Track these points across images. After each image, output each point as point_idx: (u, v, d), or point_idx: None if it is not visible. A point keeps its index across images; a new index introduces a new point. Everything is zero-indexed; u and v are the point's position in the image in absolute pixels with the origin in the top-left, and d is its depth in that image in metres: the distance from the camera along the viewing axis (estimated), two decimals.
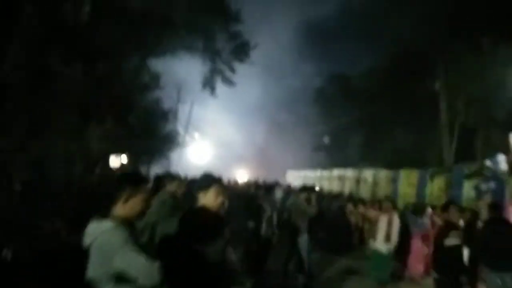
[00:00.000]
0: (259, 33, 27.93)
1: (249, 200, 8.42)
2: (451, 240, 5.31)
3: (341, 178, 21.21)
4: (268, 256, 7.65)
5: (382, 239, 6.98)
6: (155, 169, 21.13)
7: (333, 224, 11.70)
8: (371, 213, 10.57)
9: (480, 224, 6.44)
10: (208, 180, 3.12)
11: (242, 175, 31.17)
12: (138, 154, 19.98)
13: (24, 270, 4.92)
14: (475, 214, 7.36)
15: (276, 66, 37.11)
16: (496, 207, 5.99)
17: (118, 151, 16.68)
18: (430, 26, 17.58)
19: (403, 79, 21.06)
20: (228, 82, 26.06)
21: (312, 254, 7.63)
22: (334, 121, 30.80)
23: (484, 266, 5.66)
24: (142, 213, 2.61)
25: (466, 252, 6.03)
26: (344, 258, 9.92)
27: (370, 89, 25.47)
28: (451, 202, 6.62)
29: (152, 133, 20.31)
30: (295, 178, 26.43)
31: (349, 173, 20.77)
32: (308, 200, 7.77)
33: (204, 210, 2.91)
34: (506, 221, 5.96)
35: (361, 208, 11.89)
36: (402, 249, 7.98)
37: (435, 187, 13.96)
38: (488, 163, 11.23)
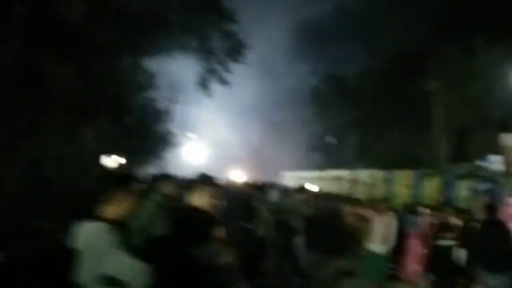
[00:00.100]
0: (254, 33, 27.87)
1: (244, 201, 8.38)
2: (445, 241, 5.32)
3: (336, 179, 21.21)
4: (263, 258, 7.61)
5: (379, 240, 6.97)
6: (150, 170, 21.03)
7: (329, 225, 11.66)
8: (367, 213, 10.54)
9: (475, 225, 6.44)
10: (196, 180, 3.08)
11: (238, 176, 31.08)
12: (133, 155, 19.89)
13: (18, 272, 4.86)
14: (470, 215, 7.36)
15: (271, 66, 37.07)
16: (492, 208, 5.99)
17: (113, 151, 16.59)
18: (424, 27, 17.63)
19: (398, 79, 21.12)
20: (223, 82, 25.97)
21: (308, 255, 7.61)
22: (330, 121, 30.84)
23: (480, 268, 5.66)
24: (132, 214, 2.56)
25: (462, 253, 6.02)
26: (340, 259, 9.89)
27: (365, 90, 25.52)
28: (445, 202, 6.63)
29: (147, 133, 20.27)
30: (290, 178, 26.39)
31: (345, 173, 20.79)
32: (305, 201, 7.76)
33: (194, 210, 2.87)
34: (502, 223, 5.96)
35: (357, 209, 11.86)
36: (398, 249, 7.98)
37: (430, 187, 14.00)
38: (482, 163, 11.27)
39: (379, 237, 7.01)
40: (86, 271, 2.31)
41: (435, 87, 17.74)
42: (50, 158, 10.36)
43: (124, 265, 2.24)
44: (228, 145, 34.48)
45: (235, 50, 24.66)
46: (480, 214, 6.51)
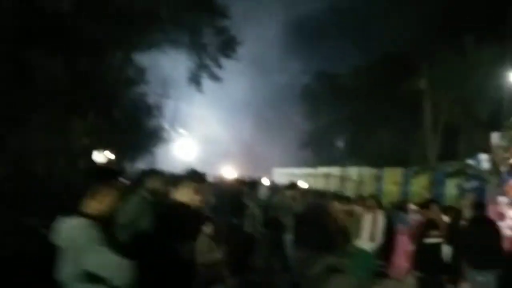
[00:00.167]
0: (246, 29, 27.77)
1: (234, 197, 8.36)
2: (432, 238, 5.34)
3: (326, 176, 21.29)
4: (251, 253, 7.61)
5: (367, 238, 6.99)
6: (140, 165, 20.89)
7: (318, 221, 11.69)
8: (356, 210, 10.57)
9: (463, 222, 6.49)
10: (183, 176, 3.04)
11: (229, 172, 31.04)
12: (123, 150, 19.74)
13: (2, 269, 4.78)
14: (458, 213, 7.41)
15: (263, 63, 37.01)
16: (480, 205, 6.04)
17: (102, 146, 16.45)
18: (415, 26, 17.72)
19: (388, 78, 21.23)
20: (215, 77, 25.87)
21: (296, 251, 7.61)
22: (321, 119, 30.92)
23: (466, 264, 5.71)
24: (114, 210, 2.51)
25: (448, 250, 6.06)
26: (327, 256, 9.92)
27: (357, 88, 25.61)
28: (432, 200, 6.67)
29: (138, 128, 20.10)
30: (281, 175, 26.43)
31: (334, 171, 20.87)
32: (294, 198, 7.76)
33: (179, 206, 2.83)
34: (489, 220, 6.01)
35: (345, 206, 11.89)
36: (387, 247, 8.01)
37: (419, 185, 14.10)
38: (470, 162, 11.35)
39: (367, 234, 7.03)
40: (67, 268, 2.26)
41: (425, 86, 17.85)
42: (37, 153, 10.22)
43: (106, 261, 2.20)
44: (219, 141, 34.40)
45: (227, 46, 24.56)
46: (468, 212, 6.57)
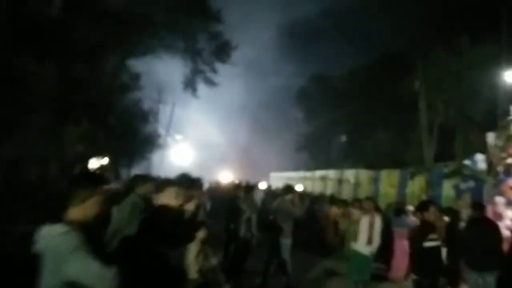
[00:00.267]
0: (241, 34, 27.83)
1: (229, 201, 8.28)
2: (430, 242, 5.23)
3: (323, 179, 21.24)
4: (246, 258, 7.52)
5: (364, 241, 6.91)
6: (136, 171, 20.77)
7: (316, 225, 11.65)
8: (353, 213, 10.51)
9: (461, 224, 6.42)
10: (172, 181, 2.97)
11: (225, 177, 30.98)
12: (118, 156, 19.62)
13: None
14: (455, 214, 7.36)
15: (258, 67, 37.13)
16: (479, 206, 5.96)
17: (97, 152, 16.33)
18: (409, 27, 17.75)
19: (383, 79, 21.24)
20: (210, 82, 25.79)
21: (294, 255, 7.54)
22: (317, 121, 30.90)
23: (465, 266, 5.63)
24: (99, 216, 2.42)
25: (444, 252, 5.99)
26: (325, 259, 9.86)
27: (351, 90, 25.63)
28: (429, 201, 6.57)
29: (133, 134, 19.99)
30: (278, 179, 26.37)
31: (331, 174, 20.82)
32: (292, 201, 7.67)
33: (165, 211, 2.75)
34: (489, 221, 5.93)
35: (342, 209, 11.84)
36: (385, 250, 7.93)
37: (416, 187, 14.05)
38: (467, 162, 11.32)
39: (364, 237, 6.95)
40: (47, 277, 2.17)
41: (420, 86, 17.85)
42: (30, 160, 10.11)
43: (88, 269, 2.11)
44: (215, 145, 34.36)
45: (222, 51, 24.49)
46: (464, 213, 6.50)
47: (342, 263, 8.68)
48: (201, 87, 25.87)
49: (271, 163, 32.30)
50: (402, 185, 14.64)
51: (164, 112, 27.68)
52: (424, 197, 12.13)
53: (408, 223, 8.54)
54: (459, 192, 10.91)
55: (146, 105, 22.59)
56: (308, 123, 33.04)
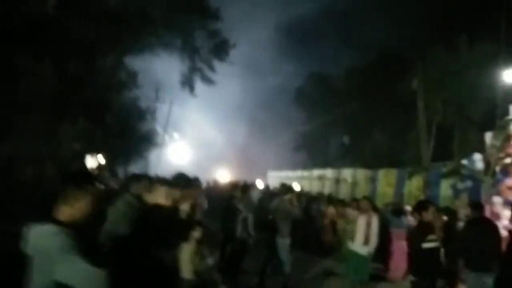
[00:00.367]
0: (239, 32, 27.65)
1: (226, 201, 8.23)
2: (429, 243, 5.17)
3: (321, 178, 21.21)
4: (243, 258, 7.48)
5: (361, 241, 6.87)
6: (134, 170, 20.67)
7: (313, 225, 11.61)
8: (350, 213, 10.47)
9: (459, 223, 6.39)
10: (166, 180, 2.92)
11: (223, 176, 30.90)
12: (115, 155, 19.52)
13: None
14: (453, 214, 7.33)
15: (256, 65, 36.90)
16: (478, 206, 5.92)
17: (94, 151, 16.24)
18: (408, 27, 17.75)
19: (381, 79, 21.22)
20: (208, 81, 25.72)
21: (292, 254, 7.51)
22: (315, 120, 30.87)
23: (464, 267, 5.60)
24: (93, 216, 2.36)
25: (444, 253, 5.95)
26: (322, 259, 9.83)
27: (350, 89, 25.60)
28: (427, 202, 6.51)
29: (130, 132, 19.88)
30: (275, 178, 26.33)
31: (329, 173, 20.79)
32: (290, 201, 7.64)
33: (157, 210, 2.69)
34: (488, 221, 5.90)
35: (340, 209, 11.81)
36: (383, 250, 7.90)
37: (413, 186, 14.03)
38: (464, 162, 11.30)
39: (362, 237, 6.91)
40: (36, 278, 2.12)
41: (418, 86, 17.83)
42: (26, 159, 10.02)
43: (76, 271, 2.05)
44: (213, 144, 34.24)
45: (220, 49, 24.41)
46: (462, 212, 6.47)
47: (339, 263, 8.65)
48: (199, 86, 25.81)
49: (269, 162, 32.24)
50: (399, 184, 14.63)
51: (162, 110, 27.54)
52: (421, 197, 12.11)
53: (406, 224, 8.52)
54: (456, 192, 10.90)
55: (144, 103, 22.44)
56: (306, 122, 33.01)
